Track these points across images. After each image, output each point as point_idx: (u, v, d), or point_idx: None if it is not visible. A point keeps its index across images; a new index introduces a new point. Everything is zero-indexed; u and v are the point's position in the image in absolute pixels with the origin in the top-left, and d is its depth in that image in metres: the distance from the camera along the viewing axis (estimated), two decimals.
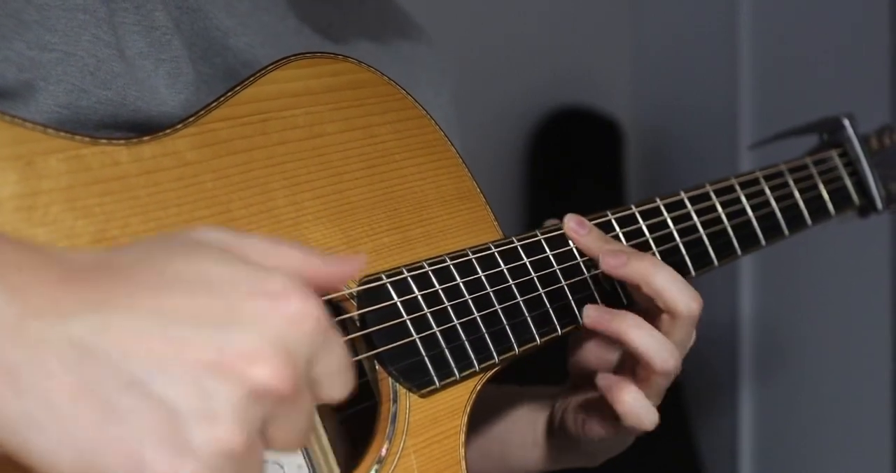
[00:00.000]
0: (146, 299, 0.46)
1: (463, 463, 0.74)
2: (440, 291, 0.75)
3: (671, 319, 0.81)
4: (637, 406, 0.80)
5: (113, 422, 0.44)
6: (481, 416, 0.93)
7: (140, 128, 0.72)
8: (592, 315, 0.81)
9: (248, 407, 0.45)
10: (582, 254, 0.85)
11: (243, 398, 0.45)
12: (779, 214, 1.00)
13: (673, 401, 2.48)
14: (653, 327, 0.80)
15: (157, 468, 0.44)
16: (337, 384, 0.51)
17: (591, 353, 0.88)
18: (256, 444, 0.47)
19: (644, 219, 0.90)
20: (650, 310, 0.82)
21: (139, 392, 0.44)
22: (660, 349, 0.79)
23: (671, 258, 0.90)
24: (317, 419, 0.68)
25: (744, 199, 0.98)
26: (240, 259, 0.49)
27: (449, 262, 0.77)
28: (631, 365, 0.82)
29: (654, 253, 0.89)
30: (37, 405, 0.43)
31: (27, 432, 0.44)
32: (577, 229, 0.84)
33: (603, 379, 0.82)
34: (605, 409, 0.83)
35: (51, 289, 0.46)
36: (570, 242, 0.85)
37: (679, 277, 0.81)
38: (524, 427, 0.95)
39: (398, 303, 0.73)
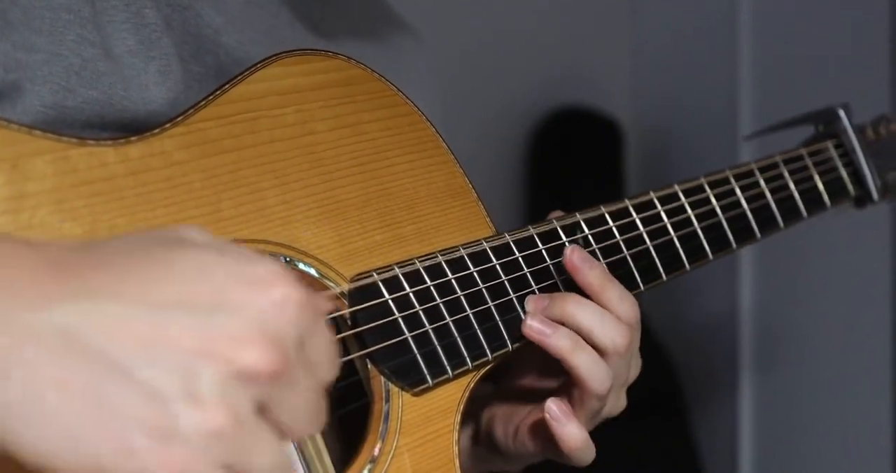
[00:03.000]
0: (132, 286, 0.47)
1: (456, 462, 0.74)
2: (432, 288, 0.75)
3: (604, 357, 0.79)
4: (582, 442, 0.78)
5: (99, 409, 0.44)
6: None
7: (127, 128, 0.71)
8: (530, 328, 0.78)
9: (234, 390, 0.46)
10: None
11: (229, 380, 0.45)
12: (774, 206, 1.00)
13: (672, 397, 2.49)
14: (590, 348, 0.78)
15: (147, 455, 0.44)
16: (328, 363, 0.51)
17: (533, 365, 0.87)
18: (250, 425, 0.46)
19: (637, 213, 0.89)
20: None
21: (125, 377, 0.44)
22: (596, 369, 0.77)
23: (665, 252, 0.90)
24: None
25: (738, 191, 0.97)
26: (223, 251, 0.50)
27: (441, 259, 0.76)
28: (568, 387, 0.80)
29: (647, 248, 0.89)
30: (23, 395, 0.44)
31: (14, 423, 0.44)
32: (580, 264, 0.81)
33: (553, 407, 0.78)
34: (543, 432, 0.81)
35: (37, 280, 0.46)
36: (562, 237, 0.84)
37: (604, 314, 0.79)
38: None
39: (389, 301, 0.73)
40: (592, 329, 0.78)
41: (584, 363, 0.77)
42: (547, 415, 0.78)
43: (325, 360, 0.51)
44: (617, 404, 0.83)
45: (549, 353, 0.78)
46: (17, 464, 0.45)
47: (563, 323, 0.78)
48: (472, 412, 0.89)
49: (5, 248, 0.48)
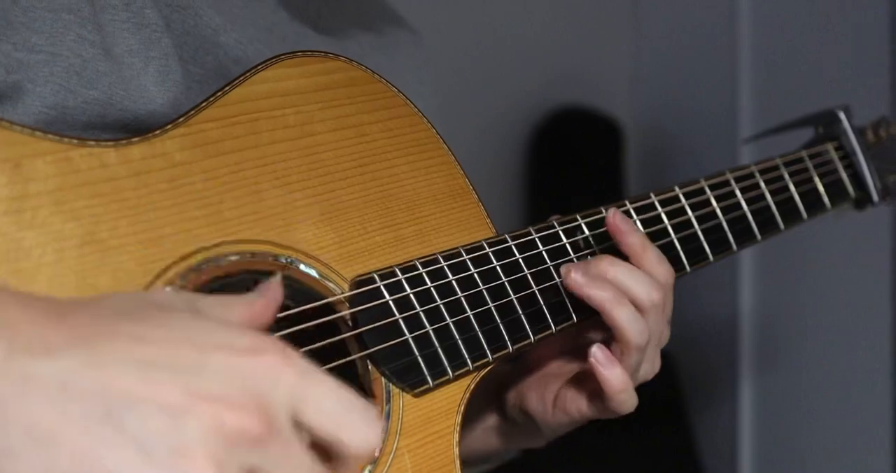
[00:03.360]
0: (127, 344, 0.49)
1: (457, 463, 0.74)
2: (432, 289, 0.75)
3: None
4: (625, 385, 0.81)
5: (91, 455, 0.46)
6: None
7: (128, 128, 0.71)
8: (572, 280, 0.81)
9: (219, 447, 0.47)
10: (575, 250, 0.84)
11: (212, 436, 0.47)
12: (774, 208, 1.00)
13: (672, 397, 2.49)
14: (629, 302, 0.81)
15: None
16: (348, 426, 0.51)
17: (554, 346, 0.90)
18: None
19: (638, 215, 0.89)
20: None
21: (117, 426, 0.46)
22: (632, 320, 0.80)
23: (666, 254, 0.90)
24: None
25: (739, 193, 0.97)
26: (206, 317, 0.53)
27: (441, 261, 0.76)
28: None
29: None
30: (18, 436, 0.46)
31: (7, 462, 0.45)
32: (621, 224, 0.84)
33: (597, 352, 0.81)
34: (585, 387, 0.84)
35: (38, 326, 0.48)
36: (562, 239, 0.84)
37: (638, 273, 0.82)
38: (473, 414, 0.96)
39: (390, 302, 0.73)
40: (630, 285, 0.81)
41: (623, 315, 0.80)
42: (592, 360, 0.80)
43: (345, 418, 0.51)
44: (654, 364, 0.86)
45: (591, 304, 0.81)
46: None
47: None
48: (495, 391, 0.93)
49: (5, 294, 0.50)
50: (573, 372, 0.87)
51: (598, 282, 0.81)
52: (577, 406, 0.85)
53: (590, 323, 0.84)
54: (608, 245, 0.86)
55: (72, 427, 0.46)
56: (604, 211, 0.88)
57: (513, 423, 0.93)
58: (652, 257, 0.84)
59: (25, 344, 0.47)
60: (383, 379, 0.72)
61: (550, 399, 0.87)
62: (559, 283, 0.82)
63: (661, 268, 0.84)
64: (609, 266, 0.81)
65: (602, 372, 0.80)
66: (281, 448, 0.49)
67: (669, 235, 0.91)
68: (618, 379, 0.81)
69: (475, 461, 1.02)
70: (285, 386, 0.50)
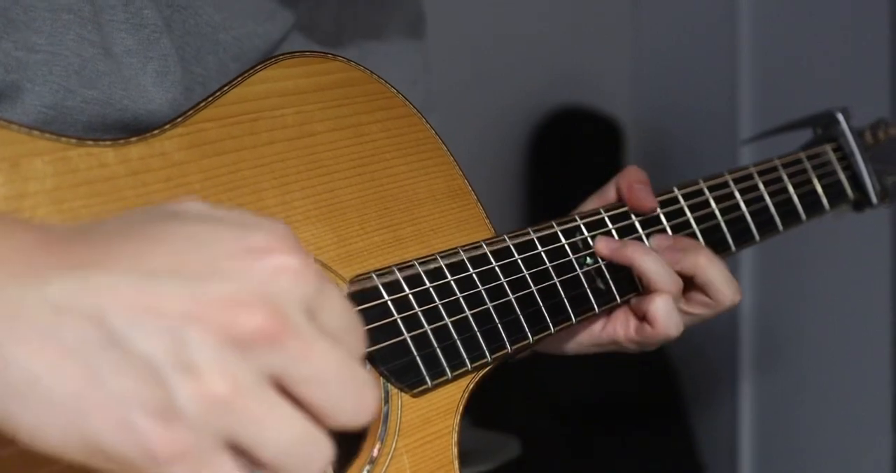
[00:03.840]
0: (124, 257, 0.44)
1: (456, 463, 0.74)
2: (431, 290, 0.75)
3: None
4: (665, 310, 0.86)
5: (95, 386, 0.42)
6: None
7: (128, 128, 0.71)
8: (604, 246, 0.87)
9: (230, 357, 0.43)
10: (574, 251, 0.85)
11: (223, 346, 0.43)
12: (773, 209, 1.00)
13: (672, 398, 2.50)
14: (656, 254, 0.87)
15: (147, 434, 0.42)
16: (351, 334, 0.47)
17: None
18: (256, 396, 0.43)
19: (637, 216, 0.90)
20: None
21: (119, 350, 0.42)
22: (662, 272, 0.86)
23: None
24: None
25: (737, 195, 0.97)
26: (221, 221, 0.47)
27: (440, 261, 0.76)
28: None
29: None
30: (18, 375, 0.42)
31: (10, 405, 0.42)
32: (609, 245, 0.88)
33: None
34: (634, 315, 0.90)
35: (27, 254, 0.44)
36: (561, 239, 0.84)
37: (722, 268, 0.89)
38: None
39: (389, 302, 0.73)
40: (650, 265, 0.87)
41: (652, 265, 0.86)
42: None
43: (345, 327, 0.47)
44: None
45: (622, 263, 0.87)
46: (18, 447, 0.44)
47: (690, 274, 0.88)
48: None
49: None
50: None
51: (624, 242, 0.88)
52: (626, 329, 0.90)
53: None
54: None
55: (70, 358, 0.42)
56: (602, 212, 0.88)
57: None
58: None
59: (14, 274, 0.43)
60: (382, 378, 0.72)
61: (601, 320, 0.92)
62: (557, 283, 0.83)
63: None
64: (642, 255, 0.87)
65: (651, 303, 0.87)
66: (302, 344, 0.44)
67: None
68: (663, 312, 0.87)
69: None
70: (303, 289, 0.45)
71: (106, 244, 0.46)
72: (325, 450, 0.45)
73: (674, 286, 0.87)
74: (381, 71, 0.80)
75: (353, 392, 0.45)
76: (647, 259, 0.86)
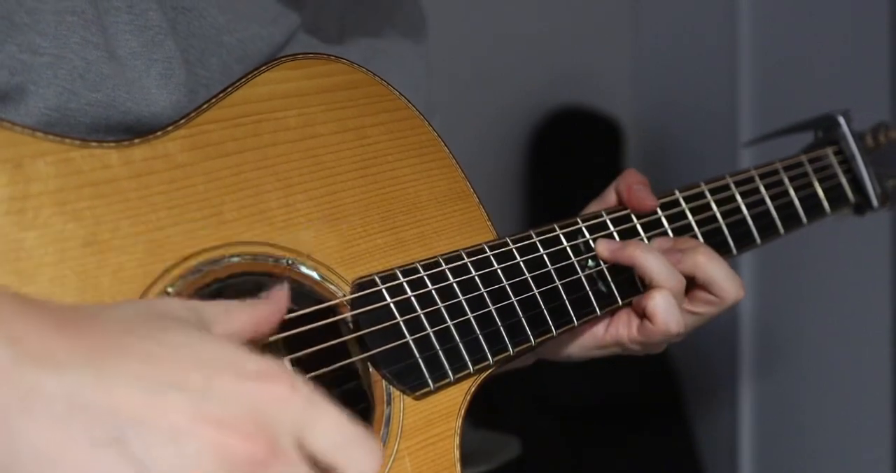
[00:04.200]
0: (134, 363, 0.49)
1: (458, 466, 0.74)
2: (433, 292, 0.75)
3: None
4: (665, 306, 0.86)
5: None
6: None
7: (131, 131, 0.71)
8: (605, 248, 0.87)
9: (222, 470, 0.47)
10: (576, 254, 0.85)
11: (217, 461, 0.47)
12: (774, 212, 1.00)
13: (672, 400, 2.50)
14: (657, 252, 0.87)
15: None
16: (351, 456, 0.51)
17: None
18: None
19: (639, 218, 0.90)
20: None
21: (121, 447, 0.46)
22: (663, 269, 0.86)
23: None
24: None
25: (739, 197, 0.97)
26: (214, 333, 0.53)
27: (443, 263, 0.76)
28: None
29: None
30: (24, 451, 0.45)
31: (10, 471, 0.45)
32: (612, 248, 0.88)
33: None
34: (634, 315, 0.89)
35: (46, 337, 0.48)
36: (563, 242, 0.84)
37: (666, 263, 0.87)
38: None
39: (391, 305, 0.73)
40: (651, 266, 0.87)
41: (653, 263, 0.85)
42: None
43: (340, 443, 0.51)
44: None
45: (623, 262, 0.86)
46: None
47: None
48: None
49: (9, 301, 0.49)
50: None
51: (626, 243, 0.87)
52: (629, 328, 0.90)
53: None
54: None
55: (75, 447, 0.46)
56: (604, 214, 0.88)
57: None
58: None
59: (33, 356, 0.47)
60: (384, 381, 0.72)
61: (604, 322, 0.91)
62: (559, 286, 0.83)
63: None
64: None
65: (650, 300, 0.86)
66: (284, 470, 0.49)
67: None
68: (662, 308, 0.86)
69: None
70: (291, 414, 0.50)
71: (115, 336, 0.50)
72: None
73: (674, 282, 0.86)
74: (383, 73, 0.80)
75: None
76: (648, 256, 0.86)
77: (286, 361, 0.61)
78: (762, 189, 1.00)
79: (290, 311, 0.68)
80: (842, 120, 1.09)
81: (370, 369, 0.72)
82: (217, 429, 0.48)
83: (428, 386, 0.73)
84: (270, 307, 0.59)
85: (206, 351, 0.51)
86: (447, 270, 0.76)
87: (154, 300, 0.57)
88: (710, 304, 0.90)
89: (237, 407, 0.49)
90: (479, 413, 2.09)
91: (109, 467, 0.46)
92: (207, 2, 0.79)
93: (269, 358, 0.52)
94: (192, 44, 0.77)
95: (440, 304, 0.75)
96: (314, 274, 0.71)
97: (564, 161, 2.55)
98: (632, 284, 0.88)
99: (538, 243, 0.83)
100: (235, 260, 0.68)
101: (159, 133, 0.67)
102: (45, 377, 0.47)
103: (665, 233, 0.91)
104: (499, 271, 0.79)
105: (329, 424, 0.51)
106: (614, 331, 0.91)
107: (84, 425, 0.46)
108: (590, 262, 0.85)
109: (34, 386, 0.46)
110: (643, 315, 0.88)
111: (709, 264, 0.88)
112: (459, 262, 0.77)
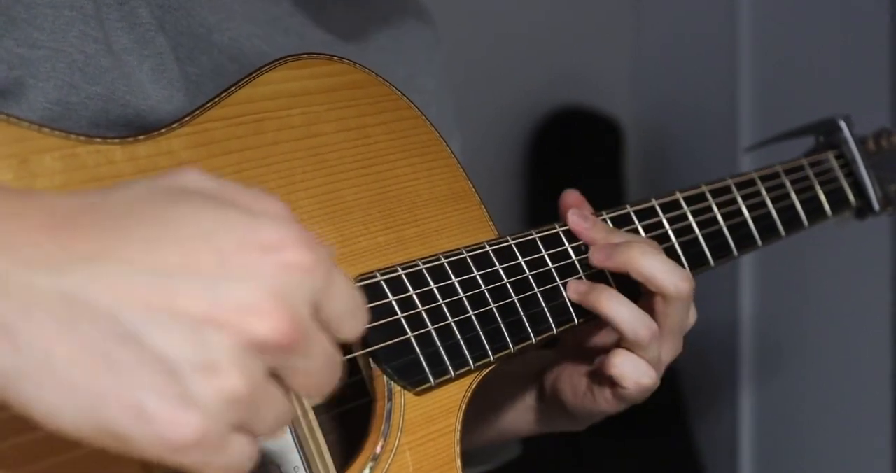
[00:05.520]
0: (137, 252, 0.45)
1: (458, 461, 0.75)
2: (434, 289, 0.76)
3: (663, 301, 0.82)
4: (630, 367, 0.82)
5: (113, 375, 0.43)
6: None
7: (131, 124, 0.72)
8: (574, 291, 0.83)
9: (248, 358, 0.45)
10: (577, 253, 0.85)
11: (242, 349, 0.45)
12: (775, 215, 1.00)
13: (672, 400, 2.50)
14: (628, 300, 0.81)
15: (162, 419, 0.44)
16: (349, 324, 0.50)
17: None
18: (265, 390, 0.46)
19: (640, 220, 0.90)
20: (646, 295, 0.83)
21: (135, 344, 0.44)
22: (632, 318, 0.81)
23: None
24: (312, 416, 0.68)
25: (740, 200, 0.98)
26: (229, 206, 0.48)
27: (444, 261, 0.77)
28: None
29: None
30: (33, 360, 0.43)
31: (26, 386, 0.43)
32: (581, 222, 0.85)
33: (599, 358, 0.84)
34: (604, 379, 0.85)
35: (39, 238, 0.45)
36: (564, 242, 0.85)
37: (667, 260, 0.82)
38: (515, 391, 0.96)
39: (393, 301, 0.73)
40: (655, 273, 0.81)
41: (619, 312, 0.81)
42: (596, 362, 0.84)
43: (349, 311, 0.50)
44: (677, 347, 0.86)
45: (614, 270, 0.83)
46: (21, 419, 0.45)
47: (626, 270, 0.82)
48: (537, 373, 0.93)
49: (3, 202, 0.46)
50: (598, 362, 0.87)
51: (616, 247, 0.83)
52: (604, 395, 0.86)
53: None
54: None
55: (87, 349, 0.43)
56: (604, 214, 0.88)
57: (550, 406, 0.93)
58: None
59: (25, 260, 0.44)
60: (385, 376, 0.73)
61: (582, 386, 0.88)
62: (560, 285, 0.83)
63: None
64: (639, 253, 0.82)
65: (613, 368, 0.82)
66: (306, 344, 0.47)
67: (671, 240, 0.91)
68: (629, 371, 0.82)
69: (509, 439, 1.03)
70: (312, 282, 0.47)
71: (114, 227, 0.46)
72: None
73: (643, 332, 0.81)
74: (387, 74, 0.80)
75: (328, 378, 0.50)
76: (616, 307, 0.81)
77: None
78: (763, 191, 1.00)
79: None
80: (843, 124, 1.09)
81: (371, 364, 0.73)
82: (238, 314, 0.45)
83: (429, 381, 0.74)
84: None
85: (217, 225, 0.47)
86: (448, 268, 0.77)
87: (175, 171, 0.50)
88: (659, 305, 0.83)
89: (256, 286, 0.45)
90: None
91: (129, 365, 0.43)
92: (195, 1, 0.80)
93: (286, 223, 0.48)
94: (180, 42, 0.77)
95: (441, 301, 0.76)
96: None
97: (564, 161, 2.55)
98: (634, 284, 0.88)
99: (539, 241, 0.83)
100: None
101: (163, 130, 0.67)
102: (42, 281, 0.43)
103: (665, 234, 0.91)
104: (500, 269, 0.80)
105: (343, 292, 0.49)
106: (603, 402, 0.86)
107: (91, 326, 0.43)
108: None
109: (32, 292, 0.43)
110: (611, 383, 0.84)
111: (642, 258, 0.81)
112: (460, 260, 0.78)
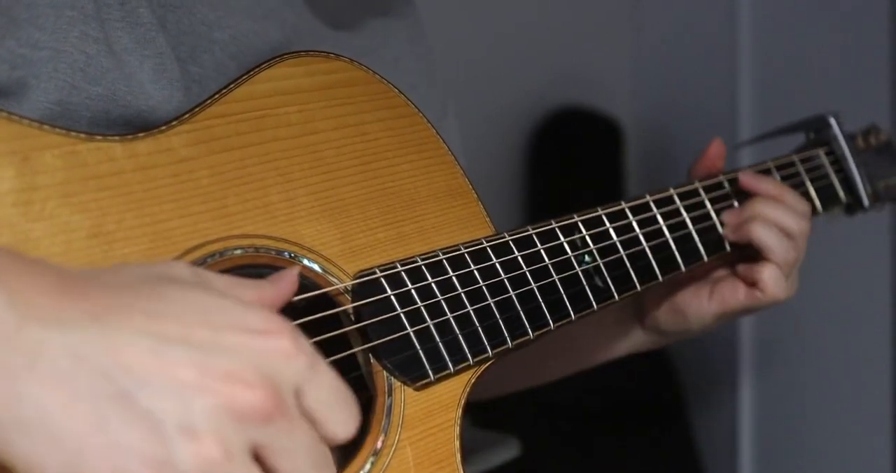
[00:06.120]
0: (140, 319, 0.49)
1: (458, 456, 0.75)
2: (433, 285, 0.76)
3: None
4: (774, 277, 0.96)
5: (102, 435, 0.46)
6: None
7: (132, 124, 0.72)
8: (746, 178, 0.99)
9: (227, 425, 0.48)
10: (573, 249, 0.86)
11: (222, 415, 0.48)
12: None
13: (672, 398, 2.50)
14: (777, 230, 0.95)
15: None
16: (335, 417, 0.53)
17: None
18: (243, 464, 0.49)
19: (634, 215, 0.91)
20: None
21: (128, 403, 0.47)
22: (779, 245, 0.95)
23: (660, 253, 0.91)
24: None
25: (733, 195, 0.99)
26: (222, 295, 0.53)
27: (442, 257, 0.77)
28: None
29: (643, 249, 0.91)
30: (30, 409, 0.46)
31: (16, 435, 0.45)
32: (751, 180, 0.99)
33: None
34: (740, 283, 0.98)
35: (50, 297, 0.48)
36: (560, 237, 0.85)
37: (787, 214, 0.97)
38: (620, 315, 1.07)
39: (392, 297, 0.74)
40: (778, 218, 0.96)
41: (770, 240, 0.95)
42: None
43: (334, 409, 0.53)
44: (795, 284, 1.01)
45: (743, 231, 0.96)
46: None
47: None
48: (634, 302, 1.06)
49: (10, 262, 0.50)
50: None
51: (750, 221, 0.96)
52: (735, 294, 0.98)
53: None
54: (605, 244, 0.88)
55: (82, 403, 0.46)
56: (600, 210, 0.89)
57: (650, 324, 1.05)
58: (789, 194, 0.99)
59: (37, 316, 0.47)
60: (385, 372, 0.73)
61: (706, 291, 0.99)
62: (556, 281, 0.84)
63: (801, 205, 0.99)
64: (761, 205, 0.96)
65: (761, 273, 0.96)
66: (287, 424, 0.50)
67: (665, 235, 0.92)
68: (773, 279, 0.96)
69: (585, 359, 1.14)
70: (295, 368, 0.51)
71: (119, 295, 0.50)
72: None
73: (785, 257, 0.95)
74: (376, 58, 0.80)
75: (314, 466, 0.52)
76: (766, 233, 0.95)
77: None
78: None
79: (292, 304, 0.69)
80: (833, 121, 1.10)
81: (371, 360, 0.73)
82: (224, 383, 0.48)
83: (428, 377, 0.74)
84: (278, 289, 0.59)
85: (211, 308, 0.51)
86: (446, 264, 0.77)
87: (158, 263, 0.56)
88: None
89: (243, 361, 0.49)
90: (478, 413, 2.10)
91: (117, 423, 0.46)
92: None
93: (274, 315, 0.53)
94: (182, 41, 0.78)
95: (440, 297, 0.76)
96: (316, 267, 0.72)
97: (564, 161, 2.56)
98: (628, 279, 0.89)
99: (535, 237, 0.84)
100: (238, 252, 0.69)
101: (163, 127, 0.68)
102: (50, 335, 0.47)
103: (660, 230, 0.92)
104: (497, 265, 0.80)
105: (326, 382, 0.53)
106: (719, 298, 0.98)
107: (89, 381, 0.46)
108: (586, 258, 0.86)
109: (39, 345, 0.46)
110: (753, 284, 0.96)
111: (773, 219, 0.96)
112: (458, 256, 0.78)
